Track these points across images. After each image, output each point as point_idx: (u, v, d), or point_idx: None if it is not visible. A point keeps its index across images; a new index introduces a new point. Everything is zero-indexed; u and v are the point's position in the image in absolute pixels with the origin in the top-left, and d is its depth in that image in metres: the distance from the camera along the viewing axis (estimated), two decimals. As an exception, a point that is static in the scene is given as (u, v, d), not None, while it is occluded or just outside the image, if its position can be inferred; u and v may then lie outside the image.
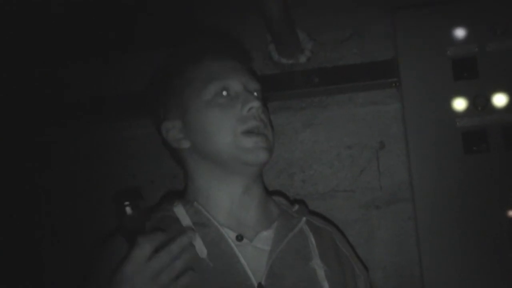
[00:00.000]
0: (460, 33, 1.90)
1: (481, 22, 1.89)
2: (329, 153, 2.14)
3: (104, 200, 2.19)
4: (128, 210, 1.29)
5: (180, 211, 1.51)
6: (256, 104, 1.51)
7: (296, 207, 1.69)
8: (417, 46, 1.93)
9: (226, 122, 1.49)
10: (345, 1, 2.13)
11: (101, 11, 2.09)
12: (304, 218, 1.62)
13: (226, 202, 1.53)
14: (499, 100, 1.86)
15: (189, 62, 1.61)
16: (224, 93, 1.52)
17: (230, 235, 1.46)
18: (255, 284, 1.39)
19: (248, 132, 1.49)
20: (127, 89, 2.21)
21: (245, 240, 1.47)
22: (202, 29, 2.10)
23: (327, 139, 2.14)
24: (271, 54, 2.10)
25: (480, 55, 1.88)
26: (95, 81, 2.27)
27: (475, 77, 1.88)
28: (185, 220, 1.48)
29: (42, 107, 2.24)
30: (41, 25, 2.12)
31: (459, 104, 1.88)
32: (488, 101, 1.86)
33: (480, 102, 1.86)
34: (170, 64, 1.70)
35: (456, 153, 1.87)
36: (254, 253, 1.46)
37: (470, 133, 1.87)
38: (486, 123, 1.86)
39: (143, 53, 2.25)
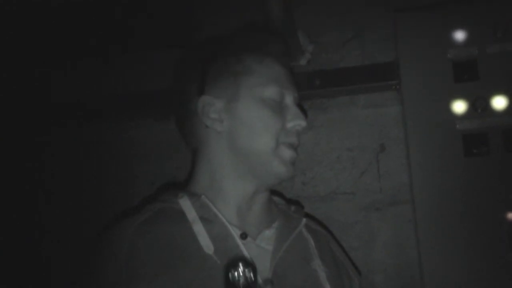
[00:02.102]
0: (460, 35, 1.90)
1: (481, 24, 1.89)
2: (329, 156, 2.14)
3: (104, 200, 2.22)
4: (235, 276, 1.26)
5: (185, 204, 1.48)
6: (304, 124, 1.52)
7: (293, 208, 1.69)
8: (418, 48, 1.93)
9: (273, 126, 1.48)
10: (347, 3, 2.13)
11: (101, 11, 2.09)
12: (304, 219, 1.62)
13: (236, 200, 1.51)
14: (499, 102, 1.85)
15: (253, 53, 1.58)
16: (278, 99, 1.52)
17: (236, 233, 1.45)
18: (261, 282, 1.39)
19: (288, 145, 1.50)
20: (127, 89, 2.22)
21: (249, 238, 1.46)
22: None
23: (328, 142, 2.14)
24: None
25: (481, 57, 1.88)
26: (95, 81, 2.27)
27: (476, 79, 1.88)
28: (191, 214, 1.46)
29: (41, 107, 2.24)
30: (40, 25, 2.12)
31: (460, 106, 1.88)
32: (488, 103, 1.86)
33: (480, 105, 1.86)
34: (224, 44, 1.67)
35: (456, 156, 1.87)
36: (258, 252, 1.45)
37: (470, 136, 1.86)
38: (487, 126, 1.86)
39: (143, 53, 2.25)
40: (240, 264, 1.26)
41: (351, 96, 2.13)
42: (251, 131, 1.48)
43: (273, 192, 1.76)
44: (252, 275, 1.26)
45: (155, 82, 2.14)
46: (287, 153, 1.49)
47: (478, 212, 1.84)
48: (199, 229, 1.43)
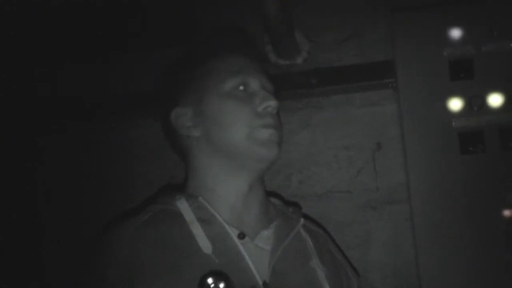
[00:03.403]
0: (456, 34, 1.90)
1: (477, 23, 1.89)
2: (326, 154, 2.14)
3: (103, 200, 2.22)
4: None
5: (183, 206, 1.50)
6: (273, 103, 1.54)
7: (291, 208, 1.69)
8: (414, 47, 1.93)
9: (243, 115, 1.50)
10: (344, 2, 2.14)
11: (101, 11, 2.11)
12: (302, 220, 1.63)
13: (231, 198, 1.53)
14: (495, 100, 1.85)
15: (210, 53, 1.63)
16: (241, 87, 1.54)
17: (233, 233, 1.46)
18: (260, 283, 1.39)
19: (264, 126, 1.51)
20: (127, 89, 2.23)
21: (247, 238, 1.47)
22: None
23: (324, 140, 2.14)
24: (268, 54, 2.11)
25: (477, 56, 1.88)
26: (95, 81, 2.28)
27: (472, 78, 1.88)
28: (189, 215, 1.47)
29: (41, 107, 2.26)
30: (41, 25, 2.13)
31: (456, 104, 1.88)
32: (484, 101, 1.86)
33: (476, 103, 1.86)
34: (189, 53, 1.71)
35: (453, 154, 1.87)
36: (256, 252, 1.46)
37: (466, 134, 1.86)
38: (483, 124, 1.86)
39: (143, 53, 2.27)
40: (210, 279, 1.31)
41: (348, 94, 2.13)
42: (221, 127, 1.51)
43: (271, 193, 1.77)
44: (224, 285, 1.30)
45: (155, 82, 2.15)
46: (264, 133, 1.50)
47: (474, 210, 1.83)
48: (197, 230, 1.45)
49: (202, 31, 2.15)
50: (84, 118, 2.26)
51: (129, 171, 2.27)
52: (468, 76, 1.88)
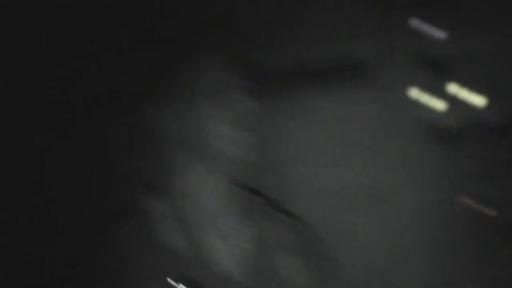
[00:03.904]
0: (442, 33, 1.93)
1: (462, 23, 1.93)
2: (321, 153, 2.15)
3: (101, 199, 2.23)
4: None
5: (161, 206, 1.48)
6: (253, 102, 1.51)
7: (277, 206, 1.68)
8: (403, 45, 1.98)
9: (220, 116, 1.47)
10: (339, 1, 2.15)
11: (102, 9, 2.12)
12: (286, 216, 1.62)
13: (210, 199, 1.51)
14: (476, 98, 1.92)
15: (191, 51, 1.56)
16: (221, 85, 1.51)
17: (213, 233, 1.46)
18: (239, 284, 1.39)
19: (243, 128, 1.49)
20: (123, 87, 2.23)
21: (227, 238, 1.46)
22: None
23: (319, 138, 2.15)
24: (262, 52, 2.11)
25: (461, 55, 1.94)
26: (93, 79, 2.30)
27: (456, 77, 1.94)
28: (166, 216, 1.45)
29: (40, 106, 2.27)
30: (42, 23, 2.15)
31: (440, 103, 1.92)
32: (466, 99, 1.91)
33: (457, 100, 1.90)
34: (170, 51, 1.70)
35: (439, 152, 1.90)
36: (237, 252, 1.45)
37: (450, 132, 1.90)
38: (466, 122, 1.93)
39: (142, 52, 2.27)
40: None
41: (342, 93, 2.14)
42: (198, 128, 1.47)
43: (256, 192, 1.76)
44: None
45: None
46: (240, 135, 1.46)
47: (468, 209, 1.85)
48: (175, 230, 1.44)
49: (196, 27, 2.17)
50: (82, 117, 2.28)
51: (124, 171, 2.27)
52: (453, 75, 1.94)
